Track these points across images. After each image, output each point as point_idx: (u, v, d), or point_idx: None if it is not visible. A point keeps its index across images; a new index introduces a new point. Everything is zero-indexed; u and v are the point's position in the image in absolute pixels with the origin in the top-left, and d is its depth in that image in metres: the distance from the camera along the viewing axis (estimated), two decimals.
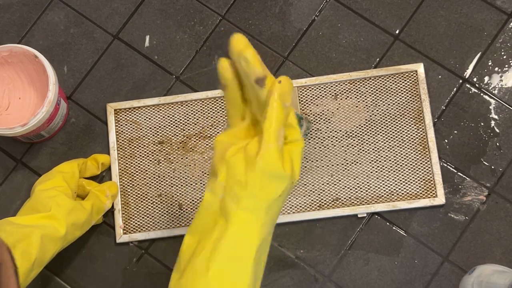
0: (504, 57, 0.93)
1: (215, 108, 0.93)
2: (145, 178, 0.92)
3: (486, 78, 0.93)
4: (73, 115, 0.95)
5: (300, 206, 0.90)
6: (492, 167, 0.90)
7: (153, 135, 0.93)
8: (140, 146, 0.93)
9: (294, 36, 0.96)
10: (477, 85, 0.93)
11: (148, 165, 0.92)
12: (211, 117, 0.93)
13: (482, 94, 0.92)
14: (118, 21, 0.98)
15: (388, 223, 0.89)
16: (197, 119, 0.93)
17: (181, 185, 0.92)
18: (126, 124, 0.94)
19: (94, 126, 0.94)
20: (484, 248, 0.88)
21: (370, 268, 0.88)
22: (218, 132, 0.92)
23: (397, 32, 0.95)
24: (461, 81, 0.93)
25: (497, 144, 0.91)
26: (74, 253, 0.91)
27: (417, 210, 0.89)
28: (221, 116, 0.93)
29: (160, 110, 0.94)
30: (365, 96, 0.92)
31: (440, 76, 0.93)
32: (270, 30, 0.96)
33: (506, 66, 0.93)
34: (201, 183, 0.91)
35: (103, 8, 0.98)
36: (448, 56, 0.93)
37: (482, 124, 0.91)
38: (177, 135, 0.93)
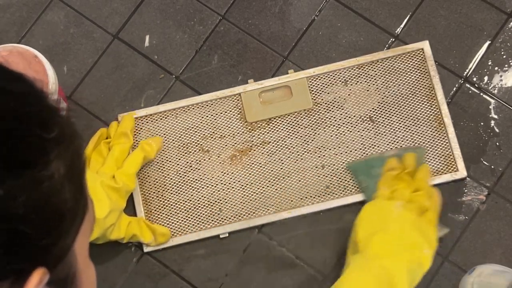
0: (504, 57, 0.93)
1: (224, 108, 0.93)
2: (165, 185, 0.91)
3: (486, 78, 0.93)
4: (73, 115, 0.95)
5: (324, 195, 0.90)
6: (492, 167, 0.90)
7: (170, 140, 0.92)
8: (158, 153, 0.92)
9: (294, 36, 0.96)
10: (477, 84, 0.93)
11: (168, 171, 0.91)
12: (222, 117, 0.93)
13: (482, 93, 0.92)
14: (118, 21, 0.97)
15: None
16: (209, 121, 0.92)
17: (203, 187, 0.91)
18: (139, 133, 0.93)
19: (94, 126, 0.94)
20: (484, 248, 0.88)
21: None
22: (232, 131, 0.92)
23: (397, 32, 0.95)
24: (461, 80, 0.93)
25: (497, 144, 0.91)
26: None
27: None
28: (232, 115, 0.93)
29: (172, 114, 0.93)
30: (375, 79, 0.92)
31: (440, 76, 0.92)
32: (270, 30, 0.96)
33: (506, 66, 0.93)
34: (222, 183, 0.91)
35: (103, 8, 0.98)
36: (447, 56, 0.93)
37: (482, 124, 0.91)
38: (192, 137, 0.92)
